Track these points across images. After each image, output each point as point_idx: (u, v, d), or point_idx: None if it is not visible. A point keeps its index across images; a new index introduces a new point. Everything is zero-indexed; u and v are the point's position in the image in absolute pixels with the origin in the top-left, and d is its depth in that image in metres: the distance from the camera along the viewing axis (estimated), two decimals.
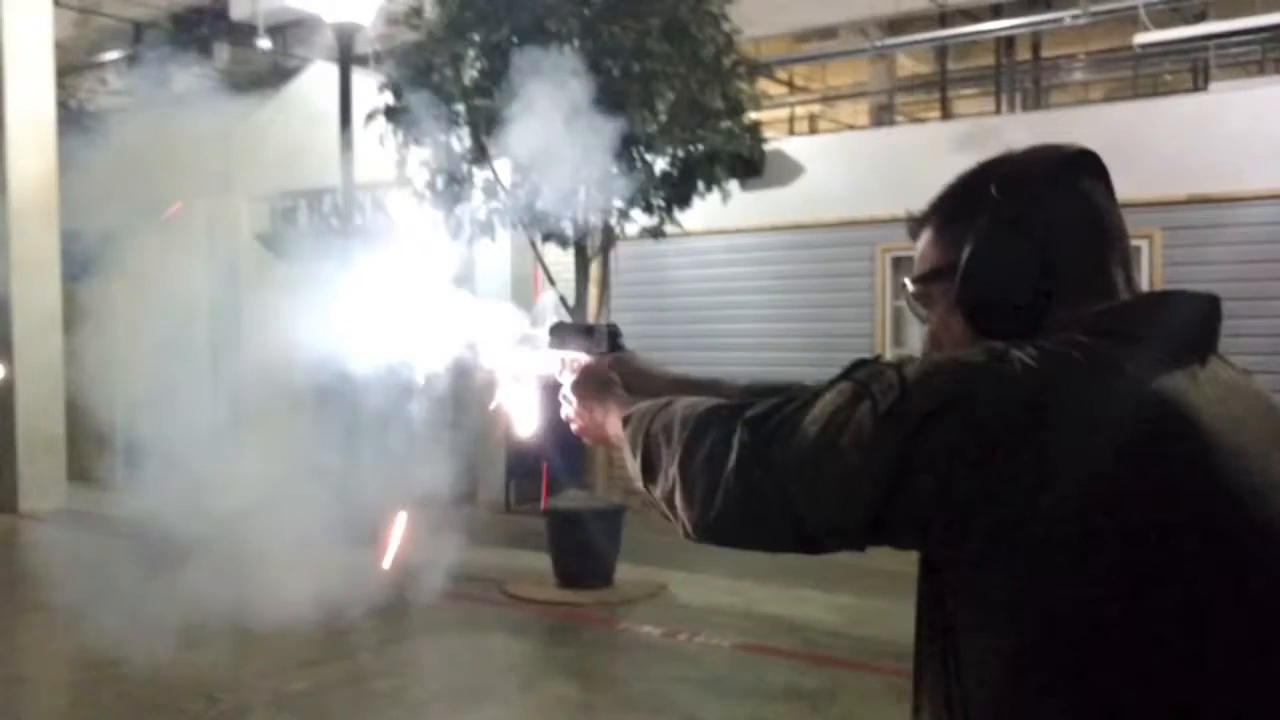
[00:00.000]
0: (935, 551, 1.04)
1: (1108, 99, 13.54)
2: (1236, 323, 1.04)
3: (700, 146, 6.76)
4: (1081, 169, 1.13)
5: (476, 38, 6.63)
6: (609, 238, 7.16)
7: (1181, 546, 0.95)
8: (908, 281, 1.21)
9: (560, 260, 7.73)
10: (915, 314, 1.21)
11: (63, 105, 11.50)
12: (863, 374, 1.06)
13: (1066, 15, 9.82)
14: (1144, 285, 1.16)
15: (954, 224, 1.15)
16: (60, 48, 10.70)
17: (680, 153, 6.84)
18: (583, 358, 1.55)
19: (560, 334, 1.58)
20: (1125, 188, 1.19)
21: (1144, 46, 9.49)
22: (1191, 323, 1.06)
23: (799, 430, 1.05)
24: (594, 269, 7.19)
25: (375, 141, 7.11)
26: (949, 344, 1.15)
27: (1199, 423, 0.98)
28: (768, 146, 8.40)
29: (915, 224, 1.21)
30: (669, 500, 1.18)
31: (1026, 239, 1.09)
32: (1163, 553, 0.94)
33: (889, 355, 9.04)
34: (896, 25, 12.24)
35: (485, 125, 6.80)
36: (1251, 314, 6.63)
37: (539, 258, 7.44)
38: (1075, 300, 1.07)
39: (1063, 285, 1.08)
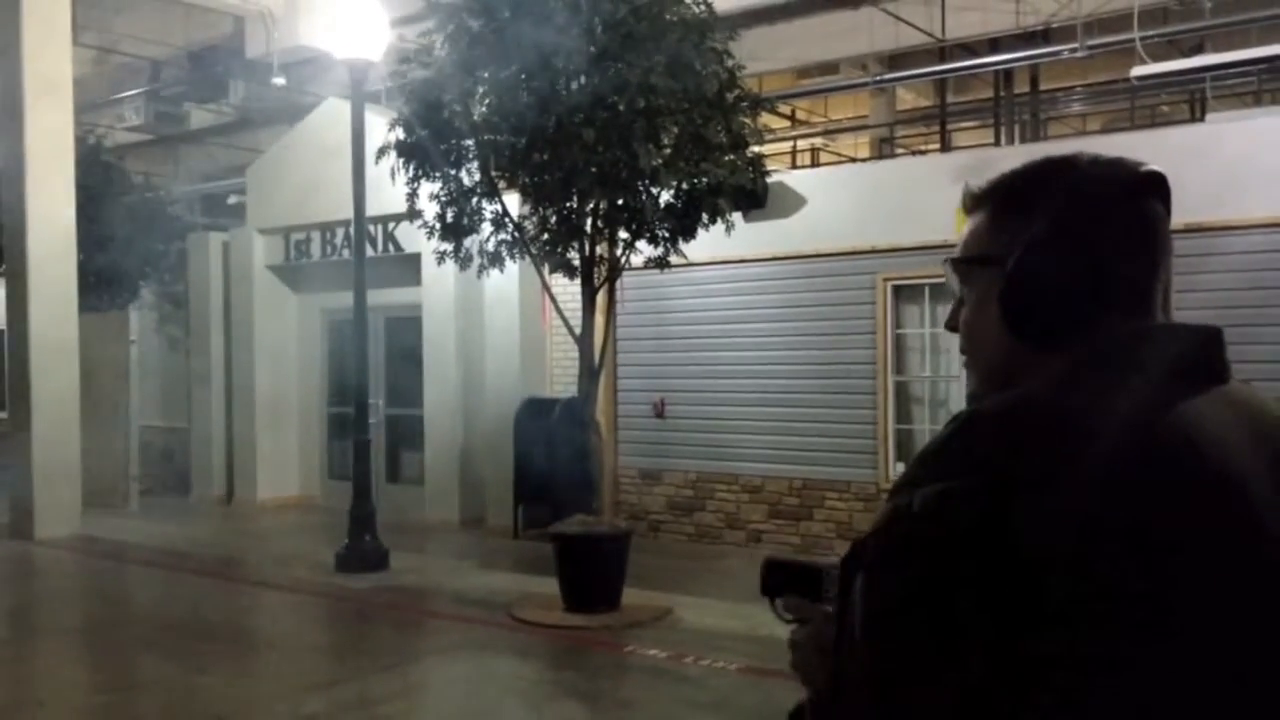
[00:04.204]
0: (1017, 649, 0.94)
1: (1105, 130, 13.71)
2: (1231, 350, 1.13)
3: (704, 179, 6.88)
4: (1150, 190, 1.12)
5: (486, 74, 6.80)
6: (615, 268, 7.29)
7: (1206, 575, 0.94)
8: (950, 258, 1.19)
9: (567, 290, 7.88)
10: (950, 287, 1.19)
11: (81, 141, 11.74)
12: (870, 548, 1.00)
13: (1064, 49, 9.95)
14: None
15: (1009, 215, 1.12)
16: (79, 85, 10.93)
17: (684, 185, 6.98)
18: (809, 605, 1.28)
19: (780, 574, 1.30)
20: None
21: (1141, 79, 9.60)
22: (1212, 350, 1.07)
23: (861, 660, 0.98)
24: (600, 298, 7.32)
25: (387, 176, 7.28)
26: (981, 336, 1.14)
27: (1224, 449, 0.98)
28: (770, 179, 8.54)
29: (972, 200, 1.17)
30: None
31: (1085, 254, 1.07)
32: (1189, 580, 0.93)
33: (890, 381, 9.02)
34: (896, 60, 12.44)
35: (494, 159, 6.97)
36: (1246, 340, 6.69)
37: (547, 288, 7.59)
38: (1117, 319, 1.06)
39: (1109, 304, 1.07)
